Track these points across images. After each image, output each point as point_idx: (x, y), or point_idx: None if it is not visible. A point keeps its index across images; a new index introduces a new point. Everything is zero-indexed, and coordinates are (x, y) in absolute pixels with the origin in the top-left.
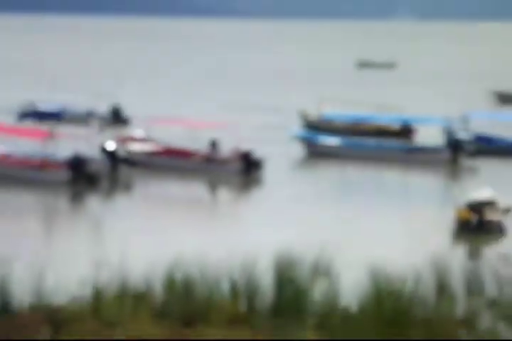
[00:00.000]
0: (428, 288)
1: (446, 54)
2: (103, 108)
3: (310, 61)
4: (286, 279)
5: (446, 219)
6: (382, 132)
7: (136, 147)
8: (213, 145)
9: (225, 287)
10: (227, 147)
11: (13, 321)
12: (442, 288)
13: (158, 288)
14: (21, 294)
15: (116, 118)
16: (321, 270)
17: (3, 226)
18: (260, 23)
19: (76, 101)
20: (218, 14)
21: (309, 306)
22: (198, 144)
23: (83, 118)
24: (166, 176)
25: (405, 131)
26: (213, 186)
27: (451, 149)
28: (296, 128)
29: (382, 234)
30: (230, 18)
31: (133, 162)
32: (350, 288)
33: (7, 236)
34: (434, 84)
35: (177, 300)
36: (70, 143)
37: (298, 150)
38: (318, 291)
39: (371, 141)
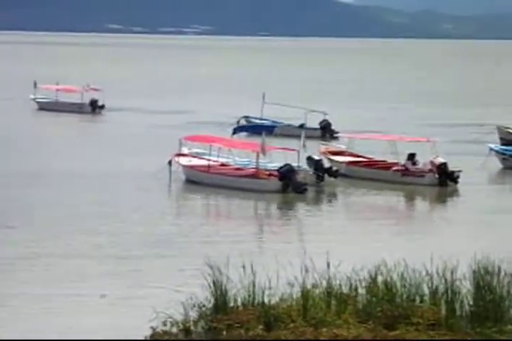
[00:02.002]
0: None
1: None
2: (314, 122)
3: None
4: (485, 286)
5: None
6: None
7: (339, 158)
8: (411, 157)
9: (425, 292)
10: (425, 159)
11: (230, 317)
12: None
13: (361, 291)
14: (237, 292)
15: (326, 132)
16: None
17: (219, 230)
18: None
19: (288, 115)
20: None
21: (507, 312)
22: (397, 157)
23: (294, 132)
24: (366, 186)
25: None
26: (410, 197)
27: None
28: (494, 142)
29: None
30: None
31: (336, 172)
32: None
33: (223, 238)
34: None
35: (379, 303)
36: (281, 154)
37: (495, 164)
38: None
39: None
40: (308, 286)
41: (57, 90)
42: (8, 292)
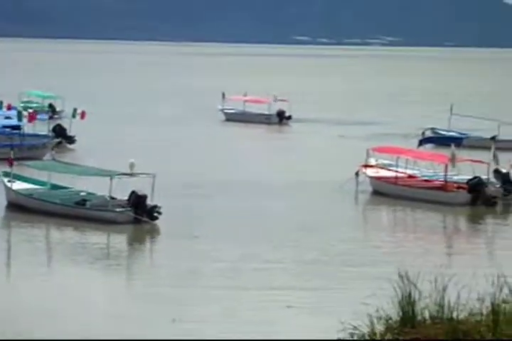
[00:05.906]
0: None
1: None
2: (507, 134)
3: None
4: None
5: None
6: None
7: None
8: None
9: None
10: None
11: (417, 331)
12: None
13: None
14: (425, 306)
15: None
16: None
17: (407, 242)
18: None
19: (476, 127)
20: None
21: None
22: None
23: (484, 144)
24: None
25: None
26: None
27: None
28: None
29: None
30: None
31: None
32: None
33: (411, 250)
34: None
35: None
36: (469, 166)
37: None
38: None
39: None
40: (499, 301)
41: (246, 101)
42: (198, 301)
